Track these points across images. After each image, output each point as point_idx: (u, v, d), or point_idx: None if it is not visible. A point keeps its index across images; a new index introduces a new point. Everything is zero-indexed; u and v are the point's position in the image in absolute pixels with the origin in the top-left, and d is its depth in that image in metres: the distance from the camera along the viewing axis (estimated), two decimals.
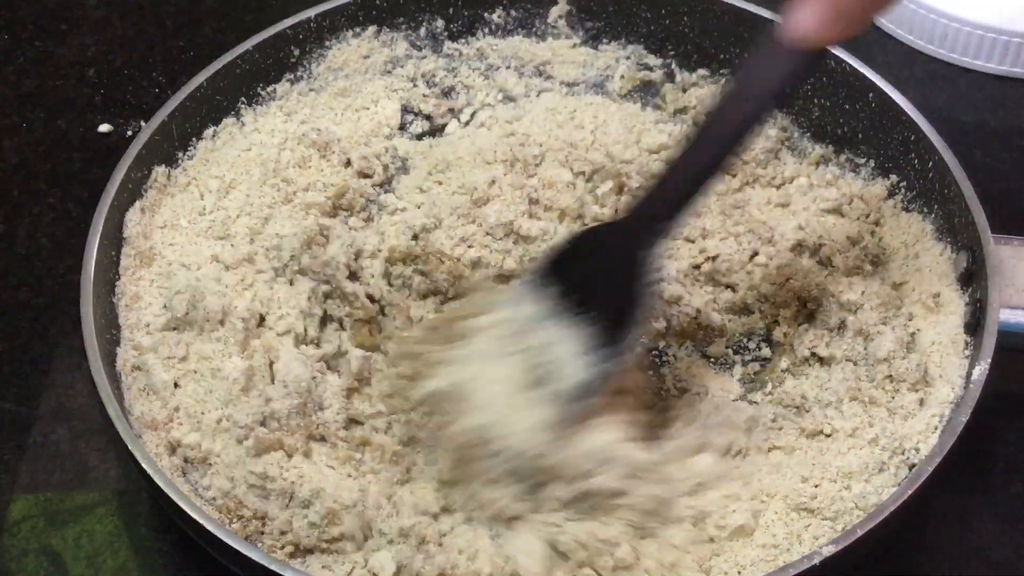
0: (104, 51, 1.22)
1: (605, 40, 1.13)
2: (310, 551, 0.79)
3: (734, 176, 1.02)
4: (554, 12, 1.13)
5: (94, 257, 0.88)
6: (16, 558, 0.86)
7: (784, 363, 0.92)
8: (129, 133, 1.13)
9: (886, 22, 1.23)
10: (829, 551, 0.73)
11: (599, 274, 0.83)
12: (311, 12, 1.08)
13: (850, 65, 0.99)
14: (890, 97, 0.97)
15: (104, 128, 1.14)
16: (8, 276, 1.03)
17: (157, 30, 1.24)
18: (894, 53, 1.21)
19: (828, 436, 0.85)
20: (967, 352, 0.86)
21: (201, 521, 0.75)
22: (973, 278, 0.88)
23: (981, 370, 0.81)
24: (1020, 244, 0.88)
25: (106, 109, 1.16)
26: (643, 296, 0.81)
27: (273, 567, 0.73)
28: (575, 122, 1.07)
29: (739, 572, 0.79)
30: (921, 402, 0.85)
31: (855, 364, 0.88)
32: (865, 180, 1.01)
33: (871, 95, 0.99)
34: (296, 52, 1.08)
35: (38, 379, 0.96)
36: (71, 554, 0.86)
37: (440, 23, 1.13)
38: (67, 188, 1.10)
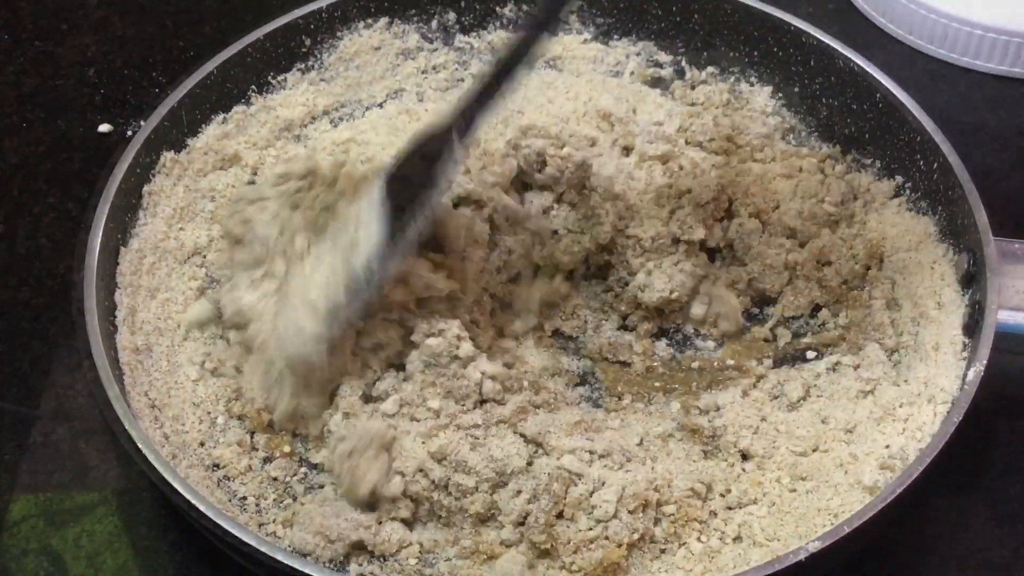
0: (104, 51, 1.22)
1: (616, 36, 1.14)
2: None
3: (726, 155, 1.03)
4: (566, 7, 1.13)
5: (102, 225, 0.90)
6: (16, 558, 0.86)
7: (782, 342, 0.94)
8: (129, 133, 1.12)
9: (886, 22, 1.23)
10: (816, 547, 0.73)
11: (408, 170, 0.85)
12: (323, 2, 1.08)
13: (858, 65, 0.99)
14: (897, 98, 0.97)
15: (104, 128, 1.14)
16: (8, 276, 1.03)
17: (157, 30, 1.24)
18: (894, 53, 1.21)
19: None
20: (965, 354, 0.86)
21: (195, 502, 0.76)
22: (973, 280, 0.88)
23: (976, 372, 0.81)
24: (1021, 246, 0.88)
25: (106, 109, 1.16)
26: (429, 183, 0.84)
27: (264, 548, 0.74)
28: (569, 94, 1.08)
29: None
30: (916, 403, 0.85)
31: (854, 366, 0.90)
32: (871, 180, 1.01)
33: (878, 95, 0.99)
34: (307, 42, 1.09)
35: (38, 379, 0.96)
36: (71, 554, 0.86)
37: (452, 16, 1.13)
38: (67, 188, 1.10)
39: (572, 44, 1.14)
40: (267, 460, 0.87)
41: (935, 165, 0.94)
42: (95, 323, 0.85)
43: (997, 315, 0.84)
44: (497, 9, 1.14)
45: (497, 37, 1.14)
